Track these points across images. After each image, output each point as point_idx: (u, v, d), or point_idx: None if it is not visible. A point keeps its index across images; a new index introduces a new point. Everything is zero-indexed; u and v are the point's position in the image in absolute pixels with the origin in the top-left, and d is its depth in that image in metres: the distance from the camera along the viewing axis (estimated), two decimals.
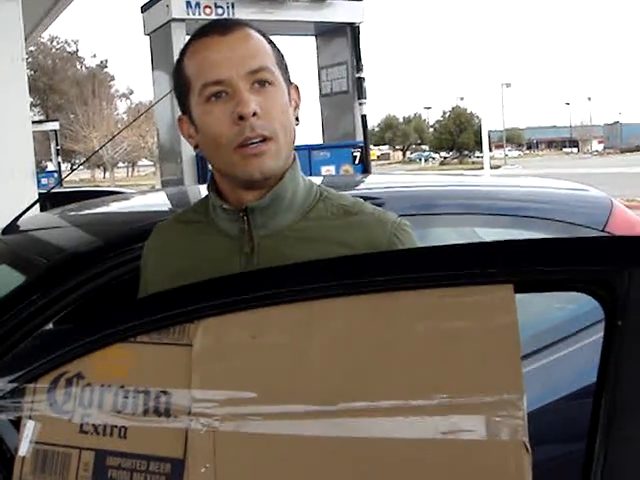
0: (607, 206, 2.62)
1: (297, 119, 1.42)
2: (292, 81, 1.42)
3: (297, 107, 1.42)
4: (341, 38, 8.68)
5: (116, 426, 1.20)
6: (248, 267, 1.36)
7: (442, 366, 1.07)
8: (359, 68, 8.47)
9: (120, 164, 48.75)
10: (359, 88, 8.45)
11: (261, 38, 1.37)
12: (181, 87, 1.39)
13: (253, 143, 1.30)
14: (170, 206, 2.76)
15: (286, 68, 1.40)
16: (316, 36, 9.11)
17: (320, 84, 8.91)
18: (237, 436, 1.13)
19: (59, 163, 14.16)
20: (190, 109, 1.38)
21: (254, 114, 1.29)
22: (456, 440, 1.04)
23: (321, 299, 1.15)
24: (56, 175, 15.80)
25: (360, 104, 8.43)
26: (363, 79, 8.45)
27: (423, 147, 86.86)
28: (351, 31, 8.56)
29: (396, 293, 1.12)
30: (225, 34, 1.33)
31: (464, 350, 1.07)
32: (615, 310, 1.04)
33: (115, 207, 3.03)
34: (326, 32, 8.87)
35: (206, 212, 1.45)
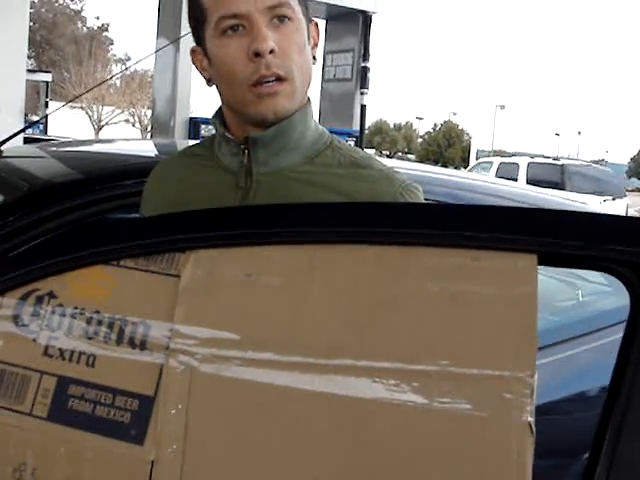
0: None
1: (314, 58, 1.36)
2: (312, 19, 1.36)
3: (315, 46, 1.37)
4: (352, 25, 8.57)
5: (84, 353, 1.10)
6: (243, 203, 1.30)
7: (450, 331, 0.98)
8: (365, 57, 8.36)
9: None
10: (362, 77, 8.33)
11: None
12: (197, 17, 1.32)
13: (268, 82, 1.24)
14: (156, 152, 2.69)
15: (306, 5, 1.33)
16: (327, 20, 8.99)
17: (324, 69, 8.80)
18: (216, 379, 1.04)
19: (46, 116, 14.01)
20: (205, 41, 1.31)
21: (271, 51, 1.23)
22: (455, 412, 0.95)
23: (326, 244, 1.06)
24: (42, 127, 15.58)
25: (361, 94, 8.32)
26: (368, 69, 8.32)
27: (409, 156, 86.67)
28: (363, 19, 8.45)
29: (409, 248, 1.03)
30: None
31: (476, 317, 0.98)
32: None
33: (101, 147, 2.98)
34: (337, 17, 8.74)
35: (212, 147, 1.39)
